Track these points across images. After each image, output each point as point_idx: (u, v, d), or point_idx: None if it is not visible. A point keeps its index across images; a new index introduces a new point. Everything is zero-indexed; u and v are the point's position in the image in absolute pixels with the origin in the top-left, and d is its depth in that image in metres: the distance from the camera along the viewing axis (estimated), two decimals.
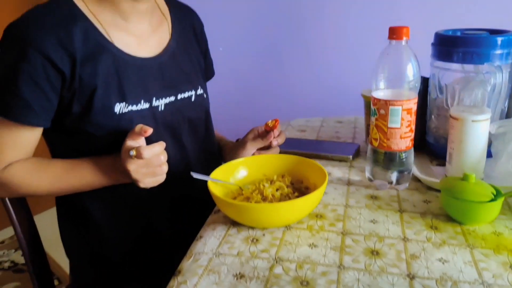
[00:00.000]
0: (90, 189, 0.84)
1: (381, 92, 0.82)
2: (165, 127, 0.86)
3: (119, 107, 0.80)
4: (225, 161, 1.04)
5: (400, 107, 0.79)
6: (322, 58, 1.71)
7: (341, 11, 1.63)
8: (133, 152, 0.73)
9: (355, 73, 1.58)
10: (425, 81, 0.95)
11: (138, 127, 0.75)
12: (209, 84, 1.08)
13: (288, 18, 1.70)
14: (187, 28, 0.98)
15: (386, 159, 0.83)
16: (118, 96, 0.80)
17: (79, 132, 0.81)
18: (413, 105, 0.80)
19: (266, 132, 0.95)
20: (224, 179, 0.82)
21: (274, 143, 0.94)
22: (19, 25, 0.75)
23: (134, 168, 0.75)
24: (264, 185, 0.80)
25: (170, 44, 0.91)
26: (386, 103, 0.80)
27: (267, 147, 0.96)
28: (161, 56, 0.88)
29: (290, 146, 1.05)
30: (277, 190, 0.79)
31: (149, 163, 0.75)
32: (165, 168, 0.78)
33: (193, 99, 0.92)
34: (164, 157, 0.77)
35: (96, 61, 0.78)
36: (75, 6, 0.79)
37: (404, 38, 0.79)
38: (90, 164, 0.81)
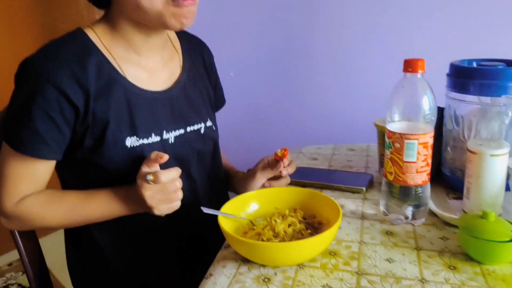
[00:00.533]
0: (103, 220, 0.82)
1: (396, 125, 0.80)
2: (175, 160, 0.85)
3: (130, 141, 0.79)
4: (236, 191, 1.02)
5: (416, 141, 0.77)
6: (335, 86, 1.69)
7: (354, 40, 1.62)
8: (150, 177, 0.73)
9: (367, 101, 1.56)
10: (440, 111, 0.93)
11: (154, 154, 0.74)
12: (219, 111, 1.07)
13: (300, 45, 1.70)
14: (198, 60, 0.97)
15: (402, 193, 0.81)
16: (129, 130, 0.80)
17: (90, 164, 0.80)
18: (429, 139, 0.78)
19: (275, 162, 0.93)
20: (234, 213, 0.80)
21: (284, 172, 0.92)
22: (34, 60, 0.75)
23: (150, 194, 0.74)
24: (276, 221, 0.78)
25: (180, 78, 0.90)
26: (401, 137, 0.78)
27: (277, 177, 0.94)
28: (172, 89, 0.88)
29: (302, 176, 1.03)
30: (289, 226, 0.77)
31: (165, 189, 0.75)
32: (180, 194, 0.77)
33: (202, 131, 0.91)
34: (179, 183, 0.76)
35: (109, 95, 0.78)
36: (89, 40, 0.79)
37: (420, 71, 0.77)
38: (104, 194, 0.80)
